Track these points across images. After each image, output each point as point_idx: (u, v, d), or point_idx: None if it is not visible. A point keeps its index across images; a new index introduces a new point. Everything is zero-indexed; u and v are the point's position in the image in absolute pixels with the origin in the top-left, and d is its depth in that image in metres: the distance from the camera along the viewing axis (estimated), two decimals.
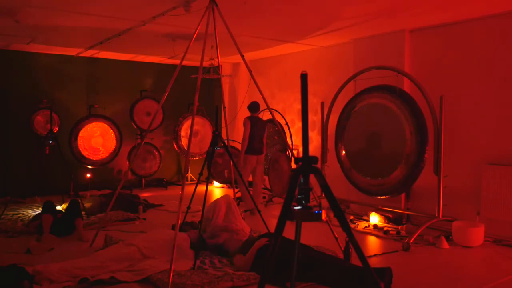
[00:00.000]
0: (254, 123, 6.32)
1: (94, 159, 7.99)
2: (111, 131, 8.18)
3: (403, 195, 5.79)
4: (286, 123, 7.71)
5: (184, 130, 8.99)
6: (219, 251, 4.46)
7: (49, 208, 5.24)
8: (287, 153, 7.13)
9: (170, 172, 9.44)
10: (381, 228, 5.47)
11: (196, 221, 5.30)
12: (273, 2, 4.71)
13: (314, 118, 7.45)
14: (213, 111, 8.11)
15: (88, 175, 8.04)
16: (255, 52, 7.81)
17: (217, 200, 4.85)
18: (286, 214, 1.61)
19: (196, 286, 3.37)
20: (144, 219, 6.07)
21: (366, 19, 5.43)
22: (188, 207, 4.42)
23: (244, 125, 6.35)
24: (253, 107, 6.48)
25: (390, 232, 5.30)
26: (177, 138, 8.97)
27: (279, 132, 7.45)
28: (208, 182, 4.67)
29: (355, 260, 3.71)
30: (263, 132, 6.43)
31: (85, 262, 3.83)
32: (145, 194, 7.86)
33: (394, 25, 5.74)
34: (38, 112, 7.69)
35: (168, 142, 9.24)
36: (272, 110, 5.13)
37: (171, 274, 3.41)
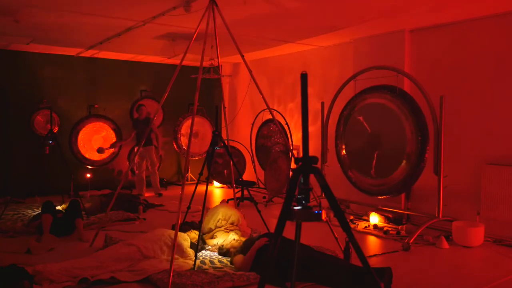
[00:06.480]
0: (136, 125, 7.87)
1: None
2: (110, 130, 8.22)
3: (403, 195, 5.79)
4: (286, 123, 7.71)
5: (184, 129, 9.00)
6: (219, 251, 4.47)
7: (48, 208, 5.25)
8: (289, 153, 7.13)
9: (170, 172, 9.45)
10: (381, 228, 5.47)
11: (196, 221, 5.30)
12: (273, 2, 4.71)
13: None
14: (213, 111, 8.12)
15: (88, 175, 8.04)
16: (255, 52, 7.81)
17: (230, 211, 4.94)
18: (286, 214, 1.61)
19: (196, 286, 3.37)
20: (144, 219, 6.07)
21: (366, 19, 5.43)
22: (188, 207, 4.41)
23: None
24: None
25: (390, 232, 5.30)
26: (177, 138, 8.98)
27: (280, 132, 7.46)
28: (208, 182, 4.67)
29: (355, 260, 3.71)
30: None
31: (85, 262, 3.83)
32: (145, 194, 7.86)
33: (394, 25, 5.74)
34: (38, 112, 7.70)
35: (167, 143, 9.22)
36: (272, 110, 5.13)
37: (171, 274, 3.41)
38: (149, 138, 7.79)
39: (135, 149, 7.94)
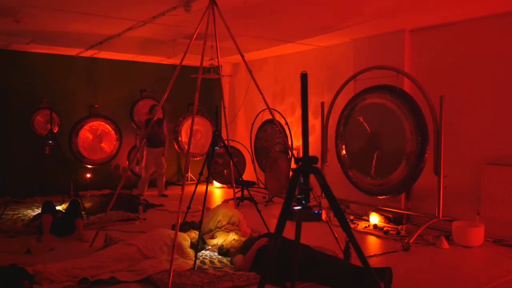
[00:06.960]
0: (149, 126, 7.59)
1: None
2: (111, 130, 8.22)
3: (403, 195, 5.79)
4: (286, 123, 7.71)
5: (185, 131, 9.01)
6: (219, 251, 4.47)
7: (48, 208, 5.24)
8: (288, 153, 7.13)
9: (170, 172, 9.44)
10: (381, 228, 5.47)
11: (196, 221, 5.30)
12: (273, 2, 4.71)
13: (314, 121, 7.45)
14: (213, 111, 8.12)
15: (88, 175, 8.04)
16: (255, 52, 7.81)
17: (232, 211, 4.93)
18: (286, 214, 1.62)
19: (196, 286, 3.37)
20: (144, 219, 6.07)
21: (366, 19, 5.43)
22: (188, 207, 4.42)
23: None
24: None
25: (390, 232, 5.30)
26: (177, 138, 8.98)
27: (280, 132, 7.46)
28: (208, 182, 4.67)
29: (355, 260, 3.71)
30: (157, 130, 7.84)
31: (85, 262, 3.83)
32: (145, 194, 7.85)
33: (394, 25, 5.74)
34: (38, 112, 7.70)
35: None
36: (272, 110, 5.13)
37: (171, 274, 3.41)
38: (160, 139, 7.81)
39: (144, 152, 7.84)
